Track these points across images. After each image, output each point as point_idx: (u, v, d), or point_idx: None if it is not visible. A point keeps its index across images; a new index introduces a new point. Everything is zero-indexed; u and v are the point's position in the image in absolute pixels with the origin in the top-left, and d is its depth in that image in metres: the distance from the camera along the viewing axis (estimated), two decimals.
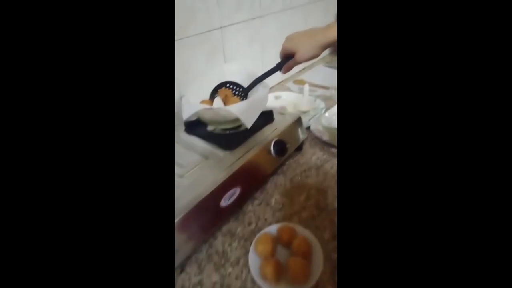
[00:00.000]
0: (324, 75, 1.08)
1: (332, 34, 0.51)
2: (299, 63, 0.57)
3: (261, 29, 0.91)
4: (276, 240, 0.48)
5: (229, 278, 0.44)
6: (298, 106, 0.86)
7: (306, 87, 0.87)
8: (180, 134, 0.64)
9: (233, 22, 0.82)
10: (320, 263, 0.44)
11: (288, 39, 0.57)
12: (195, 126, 0.65)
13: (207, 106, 0.59)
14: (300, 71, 1.15)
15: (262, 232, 0.49)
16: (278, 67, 0.59)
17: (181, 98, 0.72)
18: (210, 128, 0.64)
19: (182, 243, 0.44)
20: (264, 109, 0.60)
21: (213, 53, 0.80)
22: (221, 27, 0.79)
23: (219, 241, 0.50)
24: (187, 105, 0.59)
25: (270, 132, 0.62)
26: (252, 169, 0.57)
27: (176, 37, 0.69)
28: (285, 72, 0.60)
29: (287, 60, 0.58)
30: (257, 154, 0.57)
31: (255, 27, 0.90)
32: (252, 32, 0.89)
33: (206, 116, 0.61)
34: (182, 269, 0.46)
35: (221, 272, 0.45)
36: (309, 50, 0.54)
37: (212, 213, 0.49)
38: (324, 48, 0.53)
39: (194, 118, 0.63)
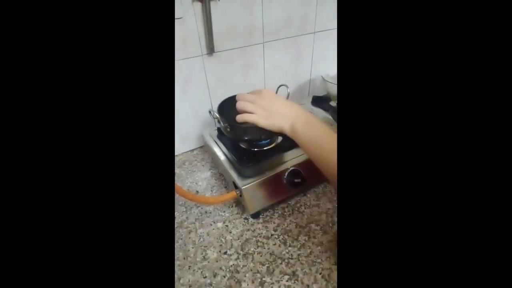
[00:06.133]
0: None
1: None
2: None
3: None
4: None
5: None
6: None
7: None
8: (308, 105, 0.81)
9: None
10: None
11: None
12: (321, 101, 0.80)
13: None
14: None
15: None
16: None
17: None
18: (333, 103, 0.79)
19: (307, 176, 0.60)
20: None
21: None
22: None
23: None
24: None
25: None
26: None
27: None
28: None
29: None
30: None
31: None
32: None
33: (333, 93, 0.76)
34: (304, 194, 0.63)
35: (333, 204, 0.60)
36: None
37: None
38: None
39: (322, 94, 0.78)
